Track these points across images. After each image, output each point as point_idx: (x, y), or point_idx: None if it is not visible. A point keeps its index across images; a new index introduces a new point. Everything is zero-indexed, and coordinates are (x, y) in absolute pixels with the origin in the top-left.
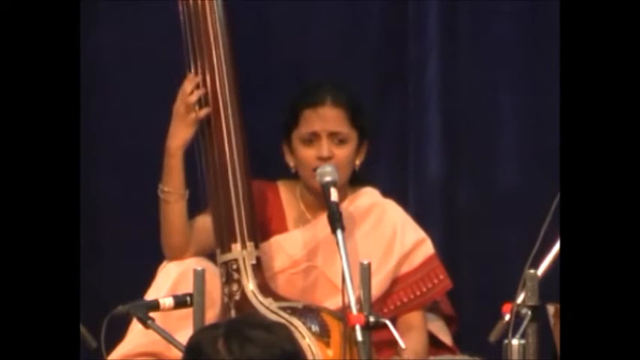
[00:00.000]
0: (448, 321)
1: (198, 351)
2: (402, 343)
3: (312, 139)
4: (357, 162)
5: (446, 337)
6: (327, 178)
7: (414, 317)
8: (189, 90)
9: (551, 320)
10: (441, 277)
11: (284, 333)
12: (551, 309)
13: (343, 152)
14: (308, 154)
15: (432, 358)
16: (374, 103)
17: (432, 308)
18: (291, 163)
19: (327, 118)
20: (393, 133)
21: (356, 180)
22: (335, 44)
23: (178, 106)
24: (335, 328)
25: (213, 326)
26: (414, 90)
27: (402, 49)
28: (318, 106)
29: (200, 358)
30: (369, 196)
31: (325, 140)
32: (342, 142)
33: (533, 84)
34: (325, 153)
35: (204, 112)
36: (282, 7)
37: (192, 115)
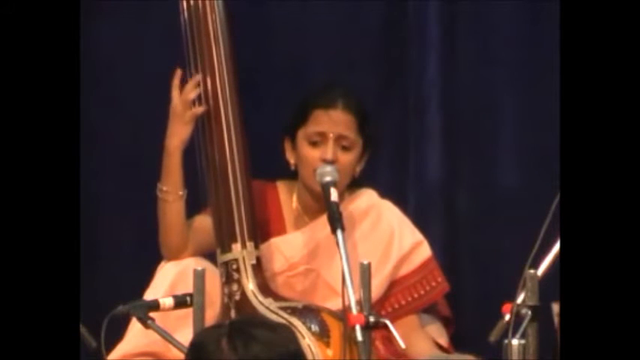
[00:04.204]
0: (445, 322)
1: (202, 350)
2: (402, 343)
3: (318, 140)
4: (358, 169)
5: (442, 339)
6: (327, 178)
7: (412, 320)
8: (189, 88)
9: (556, 319)
10: (439, 279)
11: (287, 333)
12: (555, 308)
13: (347, 158)
14: (312, 154)
15: (429, 356)
16: (374, 103)
17: (429, 310)
18: (292, 160)
19: (337, 121)
20: (393, 134)
21: (354, 183)
22: (335, 44)
23: (176, 105)
24: (335, 328)
25: (217, 326)
26: (414, 90)
27: (402, 49)
28: (330, 109)
29: (203, 357)
30: (366, 197)
31: (331, 143)
32: (346, 148)
33: (533, 84)
34: (330, 156)
35: (200, 109)
36: (283, 7)
37: (189, 113)
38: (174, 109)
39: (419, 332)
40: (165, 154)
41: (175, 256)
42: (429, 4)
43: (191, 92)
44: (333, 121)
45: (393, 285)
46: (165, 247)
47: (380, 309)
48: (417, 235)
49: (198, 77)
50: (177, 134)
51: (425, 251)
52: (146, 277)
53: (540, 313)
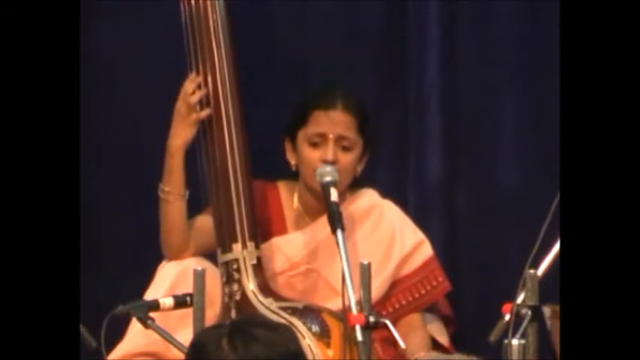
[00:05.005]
0: (446, 321)
1: (202, 350)
2: (402, 343)
3: (318, 141)
4: (359, 169)
5: (443, 338)
6: (327, 178)
7: (414, 318)
8: (191, 90)
9: (548, 322)
10: (440, 279)
11: (288, 333)
12: (547, 311)
13: (347, 158)
14: (312, 155)
15: (427, 354)
16: (374, 103)
17: (430, 308)
18: (292, 161)
19: (337, 122)
20: (393, 134)
21: (355, 183)
22: (335, 44)
23: (180, 107)
24: (335, 329)
25: (217, 326)
26: (414, 90)
27: (402, 49)
28: (330, 109)
29: (204, 357)
30: (367, 197)
31: (332, 144)
32: (346, 148)
33: (533, 84)
34: (330, 157)
35: (205, 112)
36: (283, 7)
37: (194, 116)
38: (178, 110)
39: (418, 331)
40: (168, 155)
41: (177, 256)
42: (429, 4)
43: (194, 95)
44: (333, 122)
45: (394, 285)
46: (167, 247)
47: (381, 309)
48: (419, 235)
49: (199, 79)
50: (180, 136)
51: (426, 251)
52: (146, 277)
53: (540, 313)
